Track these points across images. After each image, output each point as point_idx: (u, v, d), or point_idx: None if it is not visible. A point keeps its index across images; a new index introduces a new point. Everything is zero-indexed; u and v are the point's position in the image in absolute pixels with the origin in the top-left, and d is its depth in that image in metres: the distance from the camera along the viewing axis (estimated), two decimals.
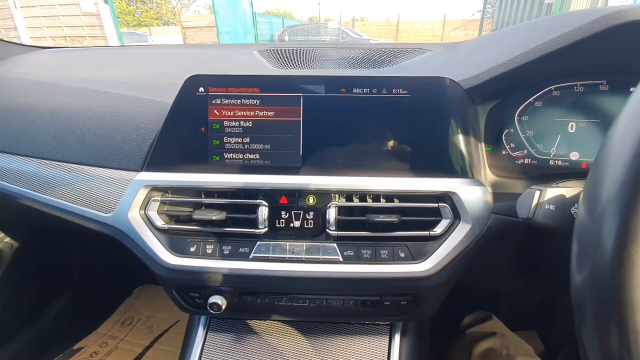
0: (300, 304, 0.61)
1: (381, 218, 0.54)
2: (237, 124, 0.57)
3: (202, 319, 0.73)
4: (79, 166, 0.62)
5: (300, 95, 0.56)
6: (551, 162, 0.60)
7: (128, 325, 1.27)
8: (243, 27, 11.24)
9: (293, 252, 0.56)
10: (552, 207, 0.46)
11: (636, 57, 0.53)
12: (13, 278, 1.07)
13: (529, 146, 0.60)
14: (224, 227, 0.57)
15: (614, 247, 0.26)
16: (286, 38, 12.57)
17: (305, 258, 0.56)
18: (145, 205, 0.58)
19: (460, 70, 0.61)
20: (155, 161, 0.58)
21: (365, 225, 0.56)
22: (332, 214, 0.55)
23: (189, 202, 0.58)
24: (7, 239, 1.07)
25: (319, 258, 0.56)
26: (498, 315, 1.08)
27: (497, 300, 1.16)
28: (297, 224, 0.57)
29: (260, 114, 0.57)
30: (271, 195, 0.57)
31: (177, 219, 0.59)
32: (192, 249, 0.57)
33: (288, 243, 0.57)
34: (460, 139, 0.56)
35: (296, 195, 0.57)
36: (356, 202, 0.57)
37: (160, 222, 0.58)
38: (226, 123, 0.57)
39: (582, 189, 0.36)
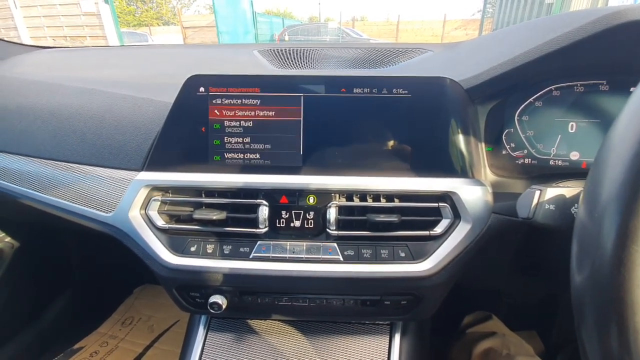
0: (300, 303, 0.61)
1: (381, 218, 0.54)
2: (237, 123, 0.57)
3: (203, 318, 0.73)
4: (80, 166, 0.62)
5: (300, 95, 0.56)
6: (551, 162, 0.60)
7: (128, 324, 1.27)
8: (243, 27, 11.23)
9: (293, 252, 0.56)
10: (552, 207, 0.46)
11: (636, 57, 0.53)
12: (13, 278, 1.07)
13: (529, 146, 0.60)
14: (224, 226, 0.57)
15: (614, 247, 0.26)
16: (286, 38, 12.57)
17: (306, 258, 0.56)
18: (145, 205, 0.58)
19: (460, 70, 0.61)
20: (155, 161, 0.58)
21: (366, 225, 0.56)
22: (332, 213, 0.55)
23: (190, 202, 0.58)
24: (8, 239, 1.07)
25: (319, 258, 0.56)
26: (498, 315, 1.08)
27: (497, 300, 1.16)
28: (297, 223, 0.57)
29: (261, 113, 0.57)
30: (271, 195, 0.57)
31: (178, 219, 0.59)
32: (192, 249, 0.57)
33: (288, 243, 0.57)
34: (461, 139, 0.56)
35: (296, 195, 0.57)
36: (356, 202, 0.57)
37: (160, 222, 0.58)
38: (227, 123, 0.57)
39: (582, 188, 0.36)
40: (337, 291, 0.60)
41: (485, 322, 1.06)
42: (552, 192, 0.47)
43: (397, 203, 0.56)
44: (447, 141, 0.56)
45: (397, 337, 0.69)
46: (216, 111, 0.57)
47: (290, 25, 14.67)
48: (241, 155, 0.57)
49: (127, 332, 1.24)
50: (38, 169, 0.64)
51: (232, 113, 0.57)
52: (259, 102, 0.57)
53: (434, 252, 0.55)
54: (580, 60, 0.55)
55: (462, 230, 0.55)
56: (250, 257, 0.56)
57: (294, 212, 0.57)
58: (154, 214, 0.58)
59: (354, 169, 0.56)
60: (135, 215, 0.58)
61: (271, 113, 0.57)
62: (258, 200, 0.57)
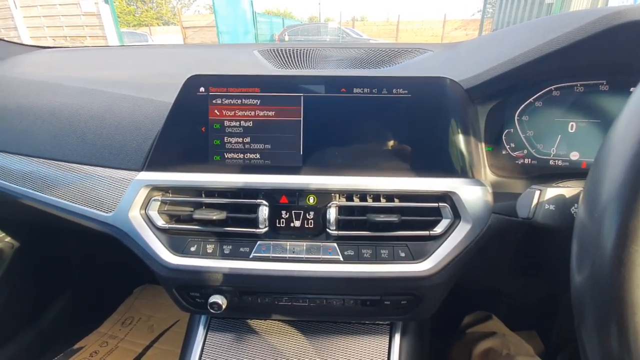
0: (300, 303, 0.61)
1: (381, 218, 0.54)
2: (237, 123, 0.57)
3: (203, 318, 0.73)
4: (80, 166, 0.62)
5: (300, 95, 0.56)
6: (551, 162, 0.60)
7: (128, 324, 1.27)
8: (243, 27, 11.23)
9: (293, 252, 0.56)
10: (552, 207, 0.46)
11: (636, 57, 0.53)
12: (13, 278, 1.07)
13: (529, 146, 0.60)
14: (224, 226, 0.57)
15: (614, 247, 0.26)
16: (286, 38, 12.57)
17: (306, 258, 0.56)
18: (145, 205, 0.58)
19: (460, 70, 0.61)
20: (155, 161, 0.59)
21: (366, 225, 0.56)
22: (332, 213, 0.55)
23: (190, 202, 0.58)
24: (8, 239, 1.07)
25: (319, 258, 0.56)
26: (498, 315, 1.08)
27: (497, 300, 1.16)
28: (297, 223, 0.57)
29: (261, 113, 0.57)
30: (271, 195, 0.57)
31: (178, 219, 0.59)
32: (192, 249, 0.57)
33: (288, 243, 0.57)
34: (461, 139, 0.56)
35: (296, 195, 0.57)
36: (356, 202, 0.57)
37: (160, 222, 0.58)
38: (227, 123, 0.57)
39: (582, 189, 0.36)
40: (337, 291, 0.60)
41: (485, 322, 1.06)
42: (552, 192, 0.47)
43: (397, 203, 0.56)
44: (447, 141, 0.56)
45: (397, 337, 0.69)
46: (216, 111, 0.57)
47: (290, 25, 14.67)
48: (241, 155, 0.57)
49: (127, 332, 1.24)
50: (38, 168, 0.64)
51: (232, 113, 0.57)
52: (259, 102, 0.57)
53: (434, 252, 0.55)
54: (580, 60, 0.55)
55: (462, 230, 0.55)
56: (250, 257, 0.56)
57: (294, 212, 0.57)
58: (154, 214, 0.58)
59: (354, 169, 0.56)
60: (135, 215, 0.58)
61: (271, 113, 0.57)
62: (258, 200, 0.57)
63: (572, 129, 0.59)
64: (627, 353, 0.26)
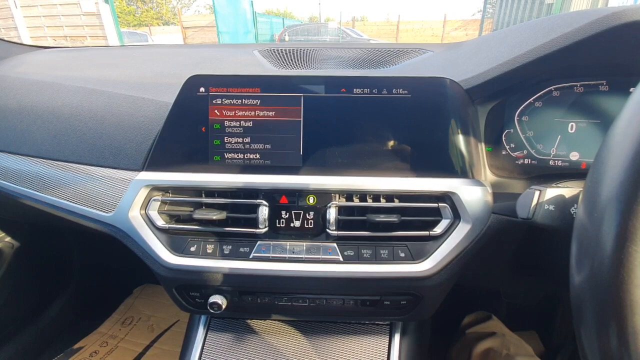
0: (300, 303, 0.61)
1: (381, 218, 0.54)
2: (237, 123, 0.57)
3: (203, 318, 0.73)
4: (80, 166, 0.62)
5: (300, 96, 0.57)
6: (551, 163, 0.60)
7: (128, 324, 1.27)
8: (243, 27, 11.24)
9: (293, 252, 0.56)
10: (551, 207, 0.46)
11: (636, 58, 0.53)
12: (13, 278, 1.07)
13: (528, 146, 0.60)
14: (224, 226, 0.57)
15: (613, 248, 0.26)
16: (286, 38, 12.57)
17: (306, 258, 0.56)
18: (145, 205, 0.58)
19: (460, 71, 0.61)
20: (155, 161, 0.59)
21: (366, 225, 0.56)
22: (332, 213, 0.55)
23: (190, 202, 0.58)
24: (8, 239, 1.07)
25: (319, 258, 0.56)
26: (498, 315, 1.08)
27: (497, 300, 1.16)
28: (297, 223, 0.57)
29: (261, 114, 0.57)
30: (271, 195, 0.57)
31: (178, 219, 0.59)
32: (192, 249, 0.58)
33: (288, 243, 0.57)
34: (461, 139, 0.56)
35: (296, 195, 0.57)
36: (356, 202, 0.57)
37: (160, 222, 0.58)
38: (227, 123, 0.57)
39: (581, 189, 0.36)
40: (336, 291, 0.60)
41: (485, 322, 1.06)
42: (551, 192, 0.47)
43: (396, 203, 0.56)
44: (447, 141, 0.56)
45: (396, 337, 0.69)
46: (216, 111, 0.57)
47: (290, 25, 14.67)
48: (241, 155, 0.57)
49: (127, 331, 1.24)
50: (38, 169, 0.64)
51: (232, 113, 0.57)
52: (259, 102, 0.57)
53: (434, 252, 0.55)
54: (580, 60, 0.55)
55: (461, 231, 0.55)
56: (250, 257, 0.57)
57: (294, 212, 0.57)
58: (154, 213, 0.58)
59: (353, 169, 0.56)
60: (135, 215, 0.58)
61: (271, 113, 0.57)
62: (258, 200, 0.57)
63: (572, 130, 0.59)
64: (627, 353, 0.26)
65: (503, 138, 0.61)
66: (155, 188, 0.58)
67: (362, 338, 0.69)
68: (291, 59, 0.89)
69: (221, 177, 0.57)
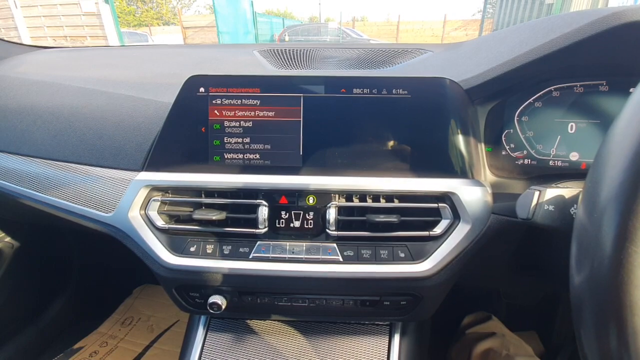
0: (300, 303, 0.61)
1: (381, 218, 0.54)
2: (237, 124, 0.57)
3: (202, 318, 0.73)
4: (80, 166, 0.62)
5: (300, 96, 0.57)
6: (551, 163, 0.60)
7: (128, 324, 1.27)
8: (243, 27, 11.24)
9: (293, 252, 0.56)
10: (551, 208, 0.46)
11: (636, 58, 0.53)
12: (13, 278, 1.07)
13: (528, 147, 0.60)
14: (224, 227, 0.57)
15: (613, 248, 0.26)
16: (286, 38, 12.57)
17: (305, 258, 0.56)
18: (145, 205, 0.58)
19: (460, 71, 0.61)
20: (155, 161, 0.59)
21: (365, 226, 0.56)
22: (332, 214, 0.55)
23: (189, 202, 0.58)
24: (7, 239, 1.07)
25: (319, 258, 0.56)
26: (498, 316, 1.08)
27: (497, 300, 1.16)
28: (297, 224, 0.57)
29: (261, 114, 0.57)
30: (271, 195, 0.57)
31: (178, 219, 0.59)
32: (192, 249, 0.58)
33: (288, 243, 0.57)
34: (460, 140, 0.56)
35: (296, 195, 0.57)
36: (356, 202, 0.57)
37: (160, 222, 0.58)
38: (226, 123, 0.57)
39: (581, 189, 0.36)
40: (336, 291, 0.60)
41: (485, 322, 1.06)
42: (551, 192, 0.47)
43: (396, 204, 0.56)
44: (446, 142, 0.56)
45: (396, 338, 0.69)
46: (216, 111, 0.57)
47: (290, 26, 14.67)
48: (241, 156, 0.57)
49: (127, 332, 1.24)
50: (38, 169, 0.64)
51: (232, 113, 0.57)
52: (258, 103, 0.57)
53: (434, 252, 0.55)
54: (580, 60, 0.55)
55: (461, 231, 0.55)
56: (250, 257, 0.57)
57: (294, 213, 0.57)
58: (153, 214, 0.58)
59: (353, 169, 0.56)
60: (135, 216, 0.58)
61: (271, 113, 0.57)
62: (258, 201, 0.57)
63: (571, 130, 0.59)
64: (626, 353, 0.26)
65: (503, 138, 0.61)
66: (155, 188, 0.58)
67: (361, 338, 0.69)
68: (291, 59, 0.89)
69: (221, 177, 0.57)
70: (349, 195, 0.57)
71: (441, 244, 0.55)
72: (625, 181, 0.26)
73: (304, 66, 0.84)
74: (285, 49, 0.97)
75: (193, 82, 0.58)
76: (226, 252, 0.57)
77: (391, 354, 0.67)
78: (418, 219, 0.56)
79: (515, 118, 0.60)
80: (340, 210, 0.56)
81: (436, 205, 0.55)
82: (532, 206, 0.48)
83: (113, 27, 6.74)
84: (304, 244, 0.57)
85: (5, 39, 1.06)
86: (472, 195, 0.54)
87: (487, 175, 0.60)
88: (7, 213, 0.90)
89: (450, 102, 0.56)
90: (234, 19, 10.99)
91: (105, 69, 0.86)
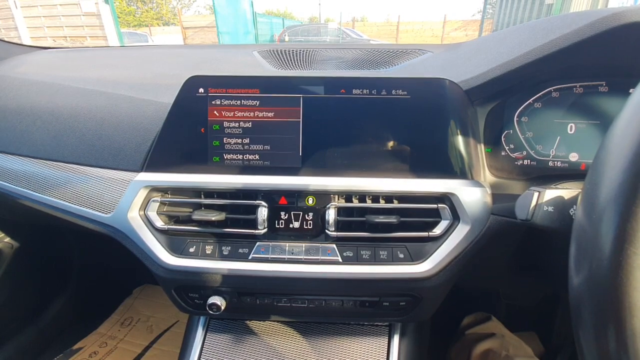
0: (299, 304, 0.61)
1: (380, 219, 0.54)
2: (236, 124, 0.57)
3: (202, 319, 0.73)
4: (79, 167, 0.62)
5: (300, 96, 0.56)
6: (550, 163, 0.60)
7: (128, 325, 1.27)
8: (243, 27, 11.24)
9: (292, 253, 0.56)
10: (550, 209, 0.46)
11: (636, 59, 0.53)
12: (13, 278, 1.07)
13: (528, 147, 0.60)
14: (223, 227, 0.57)
15: (612, 250, 0.26)
16: (286, 38, 12.57)
17: (305, 259, 0.56)
18: (144, 206, 0.58)
19: (459, 72, 0.61)
20: (155, 162, 0.59)
21: (365, 226, 0.56)
22: (331, 214, 0.55)
23: (189, 203, 0.58)
24: (7, 239, 1.07)
25: (318, 259, 0.56)
26: (497, 316, 1.08)
27: (497, 301, 1.16)
28: (296, 224, 0.57)
29: (260, 114, 0.57)
30: (270, 196, 0.57)
31: (177, 220, 0.59)
32: (191, 250, 0.57)
33: (287, 244, 0.57)
34: (460, 140, 0.56)
35: (295, 196, 0.57)
36: (355, 203, 0.57)
37: (159, 223, 0.58)
38: (226, 124, 0.57)
39: (580, 190, 0.36)
40: (336, 292, 0.60)
41: (484, 323, 1.06)
42: (550, 193, 0.47)
43: (396, 204, 0.56)
44: (446, 142, 0.56)
45: (396, 338, 0.69)
46: (215, 112, 0.57)
47: (290, 26, 14.67)
48: (240, 156, 0.57)
49: (127, 332, 1.24)
50: (38, 169, 0.64)
51: (232, 114, 0.57)
52: (258, 103, 0.57)
53: (433, 253, 0.55)
54: (579, 61, 0.55)
55: (461, 232, 0.55)
56: (249, 258, 0.56)
57: (293, 213, 0.57)
58: (153, 214, 0.58)
59: (353, 170, 0.56)
60: (134, 216, 0.58)
61: (270, 114, 0.57)
62: (257, 201, 0.57)
63: (571, 130, 0.59)
64: (625, 355, 0.26)
65: (502, 139, 0.61)
66: (155, 189, 0.58)
67: (361, 339, 0.69)
68: (291, 60, 0.89)
69: (220, 178, 0.57)
70: (348, 196, 0.57)
71: (440, 245, 0.55)
72: (625, 182, 0.26)
73: (304, 67, 0.84)
74: (285, 50, 0.97)
75: (192, 83, 0.58)
76: (225, 252, 0.57)
77: (391, 355, 0.67)
78: (417, 219, 0.56)
79: (515, 119, 0.60)
80: (340, 211, 0.56)
81: (436, 206, 0.55)
82: (531, 207, 0.48)
83: (113, 27, 6.74)
84: (304, 244, 0.57)
85: (5, 39, 1.06)
86: (471, 196, 0.54)
87: (487, 176, 0.60)
88: (6, 213, 0.90)
89: (449, 103, 0.56)
90: (234, 19, 10.99)
91: (105, 70, 0.86)
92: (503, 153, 0.61)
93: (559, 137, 0.59)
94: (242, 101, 0.57)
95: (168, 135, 0.58)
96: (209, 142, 0.57)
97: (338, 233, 0.56)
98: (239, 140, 0.57)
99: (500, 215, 0.55)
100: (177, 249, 0.58)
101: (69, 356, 1.13)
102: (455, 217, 0.55)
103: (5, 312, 1.06)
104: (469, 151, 0.57)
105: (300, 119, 0.56)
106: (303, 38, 12.77)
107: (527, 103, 0.59)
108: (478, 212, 0.54)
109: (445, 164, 0.55)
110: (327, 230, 0.56)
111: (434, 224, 0.56)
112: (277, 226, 0.57)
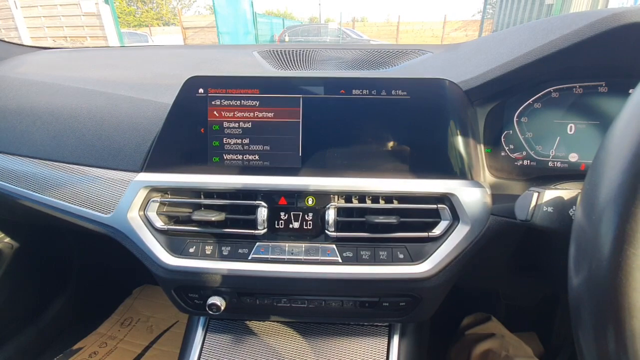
0: (299, 305, 0.61)
1: (380, 219, 0.54)
2: (236, 125, 0.57)
3: (202, 319, 0.73)
4: (79, 167, 0.62)
5: (299, 97, 0.56)
6: (550, 164, 0.60)
7: (127, 325, 1.27)
8: (243, 27, 11.24)
9: (292, 253, 0.56)
10: (550, 209, 0.46)
11: (636, 59, 0.53)
12: (13, 278, 1.07)
13: (528, 148, 0.60)
14: (223, 228, 0.57)
15: (611, 250, 0.26)
16: (286, 39, 12.57)
17: (304, 259, 0.56)
18: (144, 206, 0.58)
19: (459, 72, 0.61)
20: (154, 162, 0.59)
21: (364, 227, 0.56)
22: (331, 215, 0.55)
23: (188, 203, 0.58)
24: (7, 239, 1.07)
25: (318, 259, 0.56)
26: (497, 317, 1.08)
27: (497, 301, 1.16)
28: (296, 225, 0.57)
29: (260, 115, 0.57)
30: (270, 196, 0.57)
31: (177, 220, 0.59)
32: (191, 250, 0.57)
33: (287, 244, 0.57)
34: (460, 141, 0.56)
35: (295, 196, 0.57)
36: (355, 204, 0.57)
37: (159, 223, 0.58)
38: (226, 124, 0.57)
39: (580, 190, 0.36)
40: (335, 293, 0.60)
41: (484, 323, 1.06)
42: (550, 194, 0.47)
43: (395, 205, 0.56)
44: (446, 143, 0.56)
45: (395, 339, 0.69)
46: (215, 112, 0.57)
47: (290, 26, 14.67)
48: (240, 157, 0.57)
49: (126, 332, 1.24)
50: (37, 169, 0.64)
51: (232, 114, 0.57)
52: (258, 104, 0.57)
53: (433, 253, 0.55)
54: (579, 62, 0.55)
55: (460, 232, 0.55)
56: (249, 258, 0.56)
57: (293, 214, 0.57)
58: (152, 215, 0.58)
59: (352, 170, 0.56)
60: (134, 217, 0.58)
61: (270, 114, 0.57)
62: (257, 202, 0.57)
63: (571, 131, 0.59)
64: (625, 356, 0.26)
65: (502, 139, 0.61)
66: (154, 189, 0.58)
67: (361, 339, 0.69)
68: (291, 60, 0.89)
69: (220, 178, 0.57)
70: (348, 196, 0.57)
71: (440, 245, 0.55)
72: (624, 183, 0.26)
73: (304, 67, 0.84)
74: (285, 50, 0.97)
75: (192, 83, 0.58)
76: (225, 253, 0.57)
77: (390, 355, 0.67)
78: (417, 220, 0.56)
79: (515, 119, 0.60)
80: (340, 211, 0.56)
81: (435, 206, 0.55)
82: (530, 208, 0.48)
83: (113, 27, 6.74)
84: (303, 245, 0.57)
85: (5, 39, 1.06)
86: (471, 196, 0.54)
87: (487, 176, 0.60)
88: (6, 213, 0.90)
89: (449, 103, 0.56)
90: (234, 19, 10.99)
91: (105, 70, 0.86)
92: (503, 153, 0.61)
93: (558, 138, 0.59)
94: (242, 101, 0.57)
95: (168, 135, 0.58)
96: (208, 143, 0.57)
97: (338, 233, 0.56)
98: (239, 141, 0.57)
99: (500, 215, 0.55)
100: (176, 249, 0.58)
101: (69, 356, 1.13)
102: (455, 218, 0.55)
103: (5, 312, 1.06)
104: (469, 151, 0.57)
105: (300, 120, 0.56)
106: (303, 38, 12.77)
107: (526, 103, 0.59)
108: (478, 212, 0.54)
109: (445, 165, 0.55)
110: (326, 231, 0.56)
111: (434, 225, 0.56)
112: (276, 226, 0.57)
